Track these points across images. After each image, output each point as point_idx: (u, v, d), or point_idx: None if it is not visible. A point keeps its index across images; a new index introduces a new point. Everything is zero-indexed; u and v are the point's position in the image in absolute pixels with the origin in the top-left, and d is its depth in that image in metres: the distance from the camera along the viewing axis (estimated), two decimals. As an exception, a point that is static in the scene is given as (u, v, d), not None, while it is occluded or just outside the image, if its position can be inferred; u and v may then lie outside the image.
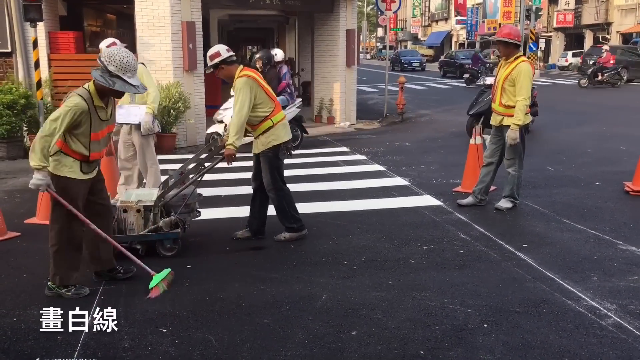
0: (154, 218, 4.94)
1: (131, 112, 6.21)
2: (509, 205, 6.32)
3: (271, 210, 5.52)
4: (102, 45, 6.12)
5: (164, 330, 3.67)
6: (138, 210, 4.93)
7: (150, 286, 4.08)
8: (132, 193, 5.28)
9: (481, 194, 6.46)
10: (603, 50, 24.02)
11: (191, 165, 5.30)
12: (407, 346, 3.45)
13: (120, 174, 6.69)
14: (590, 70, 23.22)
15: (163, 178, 5.95)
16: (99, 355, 3.36)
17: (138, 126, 6.26)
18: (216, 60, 5.06)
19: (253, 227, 5.42)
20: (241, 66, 5.13)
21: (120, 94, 4.15)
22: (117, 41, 6.22)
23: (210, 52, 5.14)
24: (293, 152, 5.44)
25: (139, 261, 4.26)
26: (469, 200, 6.50)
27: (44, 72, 10.35)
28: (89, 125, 3.98)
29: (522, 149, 6.21)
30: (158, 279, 4.12)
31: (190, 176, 5.22)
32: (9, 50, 10.62)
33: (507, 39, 6.02)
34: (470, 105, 11.19)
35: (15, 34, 10.49)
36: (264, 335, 3.60)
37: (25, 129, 10.25)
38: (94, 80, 4.01)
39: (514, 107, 5.98)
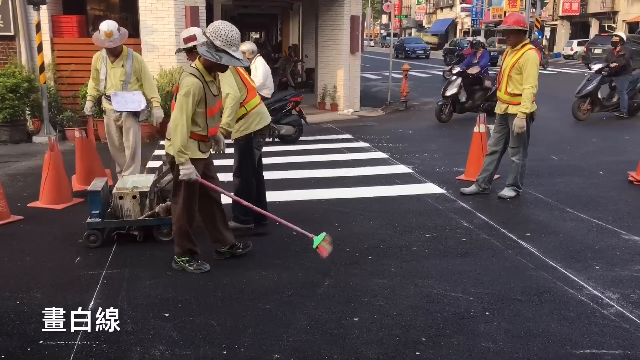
0: (150, 204, 4.95)
1: (127, 99, 6.14)
2: (512, 193, 6.31)
3: (273, 197, 5.52)
4: (106, 27, 5.97)
5: (167, 315, 3.68)
6: (134, 197, 4.94)
7: (314, 247, 4.25)
8: (129, 179, 5.29)
9: (485, 183, 6.44)
10: (466, 43, 23.62)
11: None
12: (408, 333, 3.46)
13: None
14: (452, 62, 22.72)
15: (156, 164, 5.93)
16: (102, 338, 3.37)
17: (134, 112, 6.23)
18: (191, 44, 4.96)
19: (255, 214, 5.40)
20: None
21: (225, 68, 4.19)
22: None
23: (186, 34, 5.01)
24: (268, 140, 5.31)
25: (292, 225, 4.43)
26: (472, 188, 6.49)
27: (47, 55, 10.32)
28: (205, 102, 4.08)
29: (527, 138, 6.18)
30: (318, 240, 4.27)
31: None
32: (12, 33, 10.57)
33: (517, 26, 5.97)
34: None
35: (18, 17, 10.45)
36: (266, 321, 3.61)
37: (28, 112, 10.25)
38: (199, 57, 4.09)
39: (519, 95, 5.95)
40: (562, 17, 42.41)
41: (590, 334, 3.43)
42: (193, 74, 4.02)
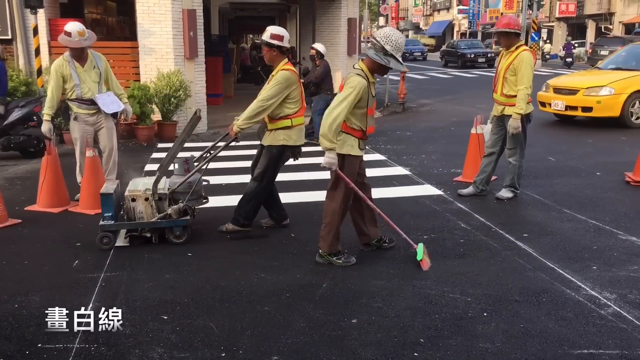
0: (157, 205, 4.96)
1: (107, 101, 6.12)
2: (510, 194, 6.32)
3: (290, 198, 5.51)
4: (77, 27, 5.82)
5: (165, 317, 3.68)
6: (146, 199, 4.95)
7: (418, 259, 4.46)
8: (140, 182, 5.30)
9: (482, 184, 6.45)
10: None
11: (177, 143, 5.14)
12: (407, 334, 3.47)
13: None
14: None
15: (154, 166, 5.81)
16: (100, 341, 3.38)
17: (113, 114, 6.22)
18: (276, 42, 4.90)
19: (275, 215, 5.42)
20: (286, 59, 4.99)
21: (386, 72, 4.41)
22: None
23: (277, 31, 4.95)
24: (298, 159, 5.27)
25: (400, 231, 4.66)
26: (470, 190, 6.50)
27: (45, 59, 10.32)
28: (367, 101, 4.26)
29: (524, 139, 6.20)
30: (421, 252, 4.47)
31: (195, 163, 5.24)
32: (10, 37, 10.59)
33: (507, 29, 6.00)
34: None
35: (15, 21, 10.47)
36: (264, 323, 3.61)
37: (25, 116, 10.22)
38: (362, 60, 4.34)
39: (515, 96, 5.97)
40: (558, 19, 42.53)
41: (587, 334, 3.44)
42: (360, 75, 4.21)
